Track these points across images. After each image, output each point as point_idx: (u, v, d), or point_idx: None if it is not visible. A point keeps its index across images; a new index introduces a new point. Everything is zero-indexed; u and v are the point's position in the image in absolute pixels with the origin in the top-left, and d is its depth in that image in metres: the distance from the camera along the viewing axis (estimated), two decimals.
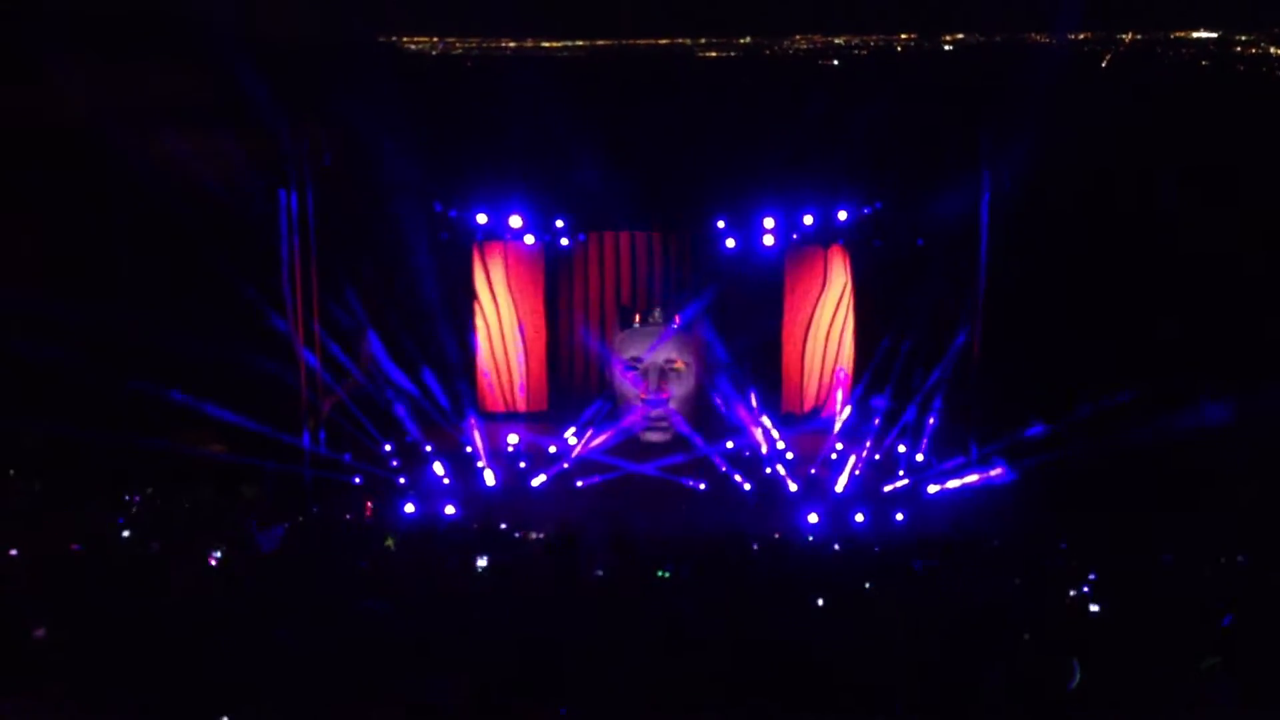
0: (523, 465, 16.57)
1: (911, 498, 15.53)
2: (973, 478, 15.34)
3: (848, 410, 17.18)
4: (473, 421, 17.10)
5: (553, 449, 16.86)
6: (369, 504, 14.67)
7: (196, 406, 14.32)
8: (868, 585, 9.47)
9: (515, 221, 17.00)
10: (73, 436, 13.28)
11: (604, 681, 4.81)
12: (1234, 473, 12.74)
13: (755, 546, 12.02)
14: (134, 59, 15.10)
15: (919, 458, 16.45)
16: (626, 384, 17.28)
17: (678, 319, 17.32)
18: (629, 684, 4.63)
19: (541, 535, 12.85)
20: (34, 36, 14.57)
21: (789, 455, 16.67)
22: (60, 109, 14.69)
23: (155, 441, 13.85)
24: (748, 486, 15.89)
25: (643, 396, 17.06)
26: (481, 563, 8.96)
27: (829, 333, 17.67)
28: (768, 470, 16.31)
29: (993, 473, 15.48)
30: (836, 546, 12.60)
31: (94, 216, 13.31)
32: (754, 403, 17.34)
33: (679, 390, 17.11)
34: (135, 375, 13.93)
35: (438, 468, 16.16)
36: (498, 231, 17.35)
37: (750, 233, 17.00)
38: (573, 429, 17.31)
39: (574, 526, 11.60)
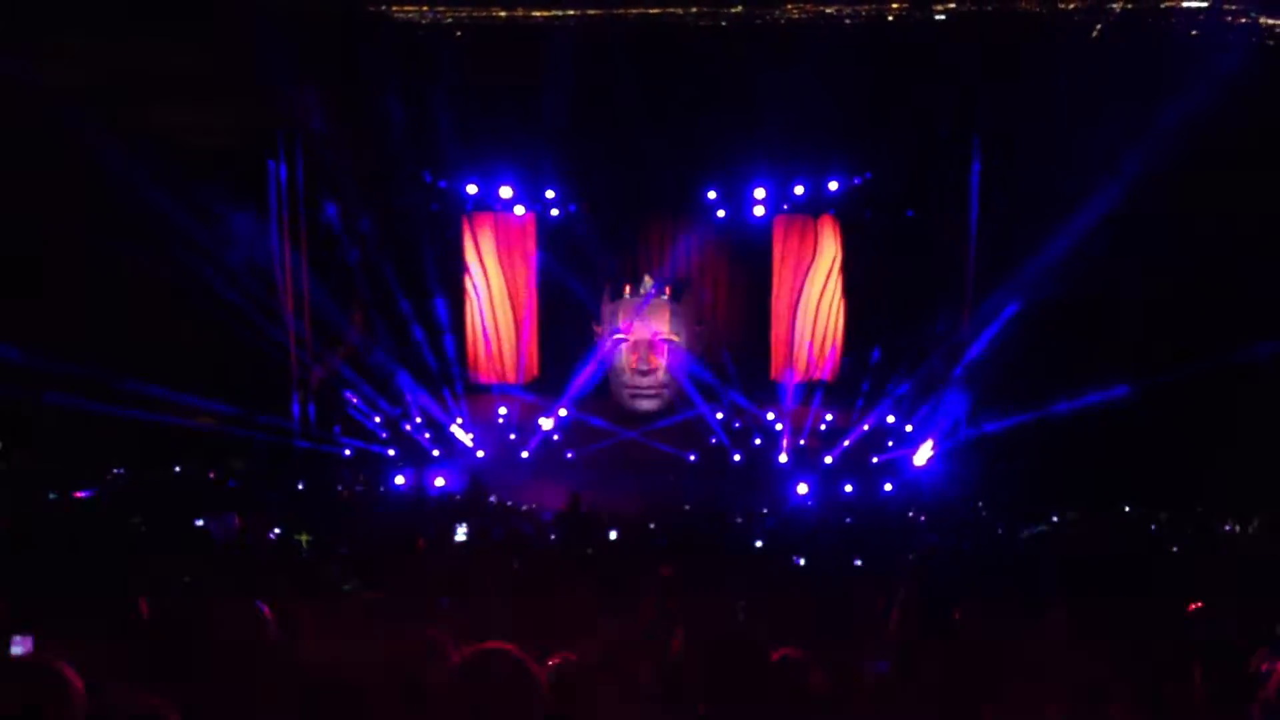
0: (513, 437, 16.62)
1: (896, 469, 15.63)
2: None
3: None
4: (462, 393, 17.14)
5: (543, 420, 16.86)
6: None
7: (186, 379, 14.32)
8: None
9: (505, 192, 16.97)
10: (61, 409, 13.29)
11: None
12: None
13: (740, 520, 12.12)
14: (120, 26, 14.99)
15: (908, 428, 16.52)
16: (617, 355, 17.26)
17: (668, 290, 17.29)
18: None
19: (532, 506, 12.92)
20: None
21: (778, 426, 16.72)
22: (47, 75, 14.60)
23: (144, 414, 13.87)
24: (737, 457, 15.97)
25: (632, 367, 17.06)
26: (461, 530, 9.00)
27: (819, 303, 17.67)
28: (756, 441, 16.37)
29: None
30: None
31: (77, 190, 13.26)
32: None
33: (668, 361, 17.11)
34: (123, 349, 13.92)
35: (427, 438, 16.20)
36: (488, 202, 17.32)
37: (741, 203, 16.97)
38: (562, 401, 17.32)
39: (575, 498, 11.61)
